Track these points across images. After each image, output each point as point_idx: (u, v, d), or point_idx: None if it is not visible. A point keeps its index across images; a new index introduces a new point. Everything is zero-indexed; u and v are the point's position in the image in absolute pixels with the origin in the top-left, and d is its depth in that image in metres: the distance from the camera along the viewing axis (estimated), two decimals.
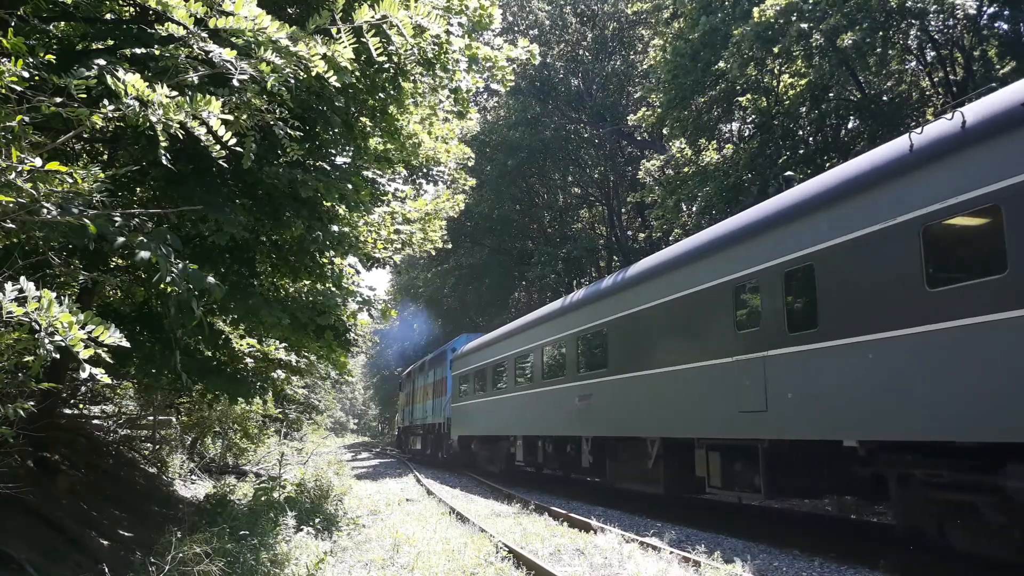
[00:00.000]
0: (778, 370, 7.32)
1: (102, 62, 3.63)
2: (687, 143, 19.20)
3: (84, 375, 3.11)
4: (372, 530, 8.48)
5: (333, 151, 6.69)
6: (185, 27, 3.40)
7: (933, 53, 15.75)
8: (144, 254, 3.88)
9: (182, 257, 4.18)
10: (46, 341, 2.95)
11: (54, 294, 2.98)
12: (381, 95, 6.18)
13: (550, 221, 34.50)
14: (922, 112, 16.05)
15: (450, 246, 14.27)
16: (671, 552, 6.91)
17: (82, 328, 3.02)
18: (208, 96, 3.36)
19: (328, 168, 6.31)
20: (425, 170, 10.97)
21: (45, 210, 3.40)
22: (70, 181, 3.51)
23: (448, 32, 5.58)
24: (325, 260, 7.15)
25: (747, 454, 7.97)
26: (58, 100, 3.38)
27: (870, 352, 6.19)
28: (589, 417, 11.86)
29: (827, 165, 15.06)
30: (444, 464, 24.09)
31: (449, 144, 10.64)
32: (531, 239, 34.84)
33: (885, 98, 16.47)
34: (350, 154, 6.89)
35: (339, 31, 3.73)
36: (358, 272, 8.72)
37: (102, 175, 3.69)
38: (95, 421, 10.44)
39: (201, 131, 3.42)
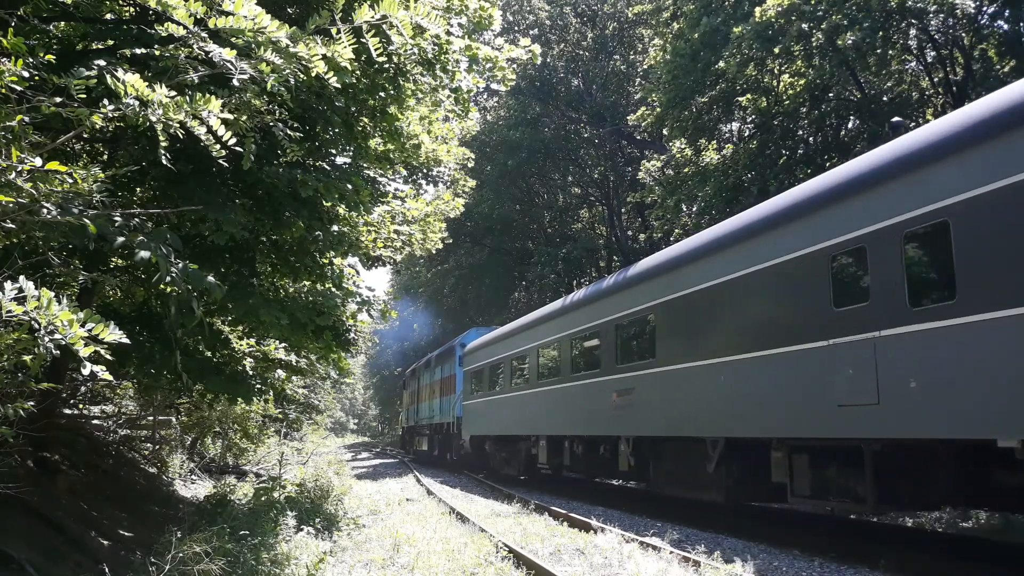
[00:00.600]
0: (896, 354, 5.97)
1: (102, 62, 3.64)
2: (687, 143, 19.22)
3: (85, 372, 3.11)
4: (372, 530, 8.48)
5: (333, 151, 6.71)
6: (185, 27, 3.40)
7: (933, 53, 15.75)
8: (144, 254, 3.88)
9: (182, 257, 4.18)
10: (46, 339, 2.95)
11: (53, 294, 2.98)
12: (381, 95, 6.18)
13: (550, 221, 34.51)
14: (922, 112, 16.07)
15: (451, 241, 14.23)
16: (671, 552, 6.91)
17: (82, 326, 3.02)
18: (208, 96, 3.36)
19: (328, 168, 6.33)
20: (425, 170, 10.98)
21: (45, 210, 3.40)
22: (70, 181, 3.52)
23: (448, 32, 5.59)
24: (325, 260, 7.16)
25: (847, 457, 6.66)
26: (58, 100, 3.39)
27: None
28: (629, 414, 10.47)
29: (827, 165, 15.06)
30: (453, 467, 22.93)
31: (449, 144, 10.65)
32: (531, 239, 34.85)
33: (885, 98, 16.47)
34: (350, 154, 6.89)
35: (339, 31, 3.73)
36: (358, 272, 8.73)
37: (102, 175, 3.70)
38: (95, 421, 10.44)
39: (201, 131, 3.42)
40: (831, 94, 16.26)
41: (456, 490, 15.23)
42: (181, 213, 4.73)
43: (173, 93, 3.34)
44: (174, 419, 11.99)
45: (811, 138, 17.92)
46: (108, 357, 3.20)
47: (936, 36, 15.04)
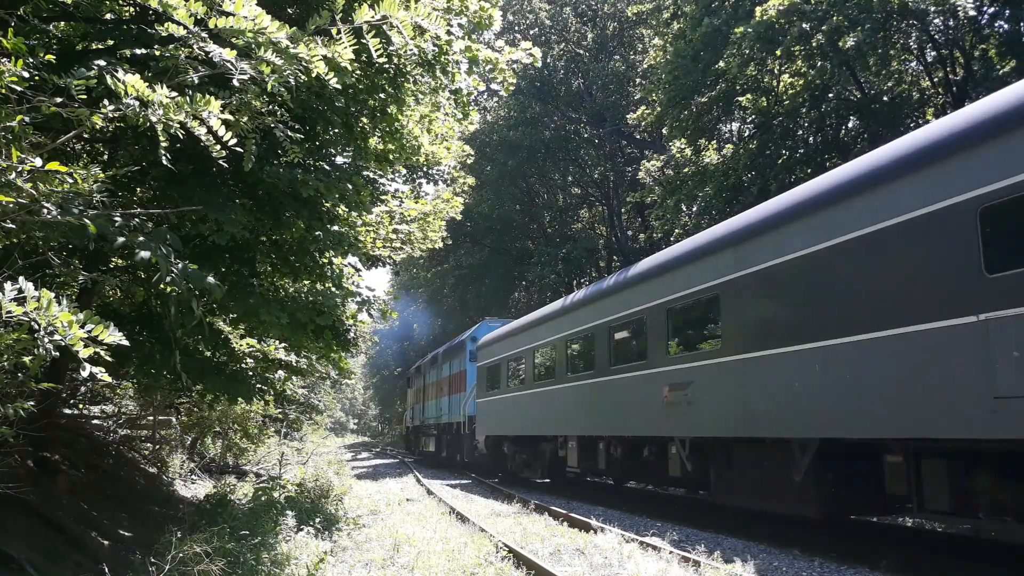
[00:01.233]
0: None
1: (102, 62, 3.64)
2: (687, 143, 19.22)
3: (84, 374, 3.12)
4: (372, 530, 8.48)
5: (333, 151, 6.70)
6: (185, 27, 3.40)
7: (933, 53, 15.76)
8: (144, 254, 3.88)
9: (182, 257, 4.18)
10: (46, 340, 2.96)
11: (53, 294, 2.98)
12: (381, 95, 6.18)
13: (550, 221, 34.53)
14: (922, 112, 16.08)
15: (451, 242, 14.18)
16: (671, 552, 6.91)
17: (82, 327, 3.02)
18: (208, 96, 3.36)
19: (328, 168, 6.32)
20: (425, 168, 10.97)
21: (45, 210, 3.40)
22: (70, 181, 3.52)
23: (449, 33, 5.59)
24: (325, 260, 7.16)
25: (1006, 463, 5.41)
26: (58, 100, 3.39)
27: None
28: (685, 412, 9.05)
29: (828, 165, 15.07)
30: (463, 470, 21.36)
31: (449, 142, 10.65)
32: (531, 239, 34.87)
33: (885, 98, 16.47)
34: (350, 154, 6.89)
35: (339, 31, 3.73)
36: (358, 271, 8.73)
37: (102, 175, 3.70)
38: (95, 421, 10.44)
39: (201, 131, 3.42)
40: (831, 94, 16.27)
41: (456, 490, 15.23)
42: (181, 213, 4.72)
43: (173, 93, 3.34)
44: (174, 419, 11.99)
45: (811, 138, 17.92)
46: (108, 358, 3.20)
47: (936, 36, 15.05)
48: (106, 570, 5.09)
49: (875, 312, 6.24)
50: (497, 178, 30.30)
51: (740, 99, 17.39)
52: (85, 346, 3.02)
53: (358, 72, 4.57)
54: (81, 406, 10.12)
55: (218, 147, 3.50)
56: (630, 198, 28.08)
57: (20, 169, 3.22)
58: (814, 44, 14.64)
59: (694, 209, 18.98)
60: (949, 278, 5.57)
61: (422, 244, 10.58)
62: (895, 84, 17.08)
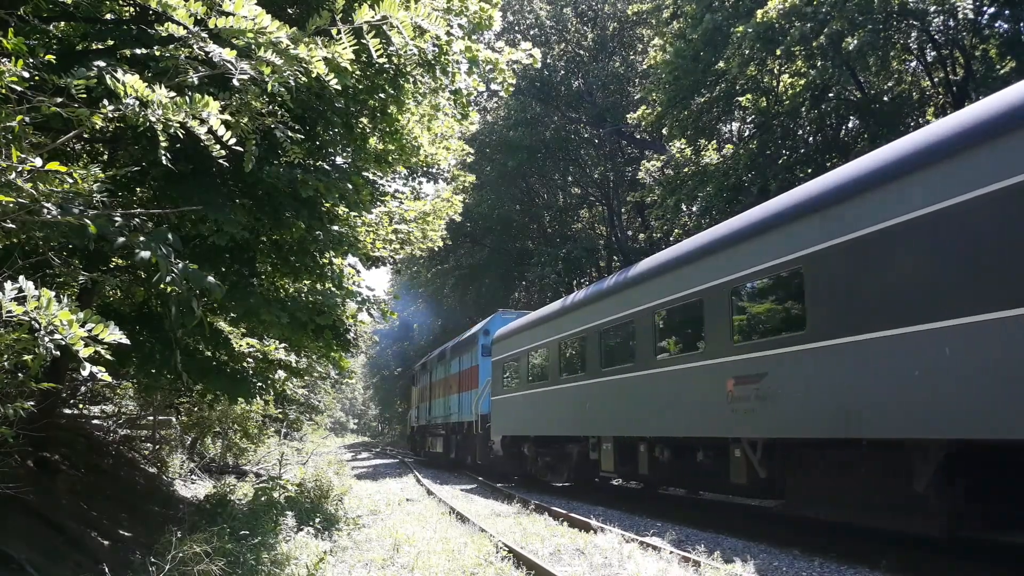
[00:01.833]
0: None
1: (102, 62, 3.64)
2: (687, 143, 19.23)
3: (84, 373, 3.12)
4: (372, 530, 8.48)
5: (333, 151, 6.71)
6: (185, 27, 3.41)
7: (933, 53, 15.77)
8: (144, 254, 3.88)
9: (182, 257, 4.18)
10: (46, 340, 2.96)
11: (53, 294, 2.98)
12: (381, 96, 6.19)
13: (550, 221, 34.55)
14: (922, 112, 16.09)
15: (451, 242, 14.16)
16: (671, 552, 6.91)
17: (82, 326, 3.02)
18: (207, 97, 3.37)
19: (328, 168, 6.33)
20: (425, 168, 10.98)
21: (45, 210, 3.41)
22: (70, 181, 3.52)
23: (449, 33, 5.59)
24: (325, 260, 7.16)
25: None
26: (58, 100, 3.39)
27: None
28: (757, 408, 7.70)
29: (828, 165, 15.07)
30: (475, 472, 19.90)
31: (449, 141, 10.65)
32: (531, 239, 34.88)
33: (885, 98, 16.49)
34: (350, 155, 6.90)
35: (339, 32, 3.73)
36: (358, 272, 8.74)
37: (102, 175, 3.70)
38: (95, 421, 10.45)
39: (201, 131, 3.42)
40: (831, 94, 16.28)
41: (456, 490, 15.24)
42: (181, 213, 4.73)
43: (173, 94, 3.35)
44: (174, 419, 12.00)
45: (811, 138, 17.94)
46: (108, 357, 3.20)
47: (936, 36, 15.06)
48: (106, 570, 5.09)
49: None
50: (497, 178, 30.31)
51: (740, 99, 17.40)
52: (85, 345, 3.02)
53: (358, 73, 4.57)
54: (81, 406, 10.13)
55: (218, 147, 3.50)
56: (630, 198, 28.10)
57: (20, 169, 3.22)
58: (815, 45, 14.64)
59: (694, 209, 18.99)
60: None
61: (422, 244, 10.58)
62: (895, 84, 17.10)
